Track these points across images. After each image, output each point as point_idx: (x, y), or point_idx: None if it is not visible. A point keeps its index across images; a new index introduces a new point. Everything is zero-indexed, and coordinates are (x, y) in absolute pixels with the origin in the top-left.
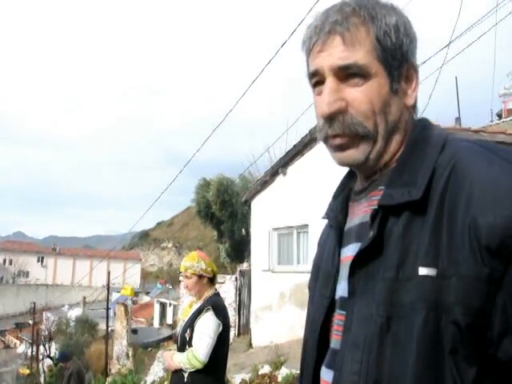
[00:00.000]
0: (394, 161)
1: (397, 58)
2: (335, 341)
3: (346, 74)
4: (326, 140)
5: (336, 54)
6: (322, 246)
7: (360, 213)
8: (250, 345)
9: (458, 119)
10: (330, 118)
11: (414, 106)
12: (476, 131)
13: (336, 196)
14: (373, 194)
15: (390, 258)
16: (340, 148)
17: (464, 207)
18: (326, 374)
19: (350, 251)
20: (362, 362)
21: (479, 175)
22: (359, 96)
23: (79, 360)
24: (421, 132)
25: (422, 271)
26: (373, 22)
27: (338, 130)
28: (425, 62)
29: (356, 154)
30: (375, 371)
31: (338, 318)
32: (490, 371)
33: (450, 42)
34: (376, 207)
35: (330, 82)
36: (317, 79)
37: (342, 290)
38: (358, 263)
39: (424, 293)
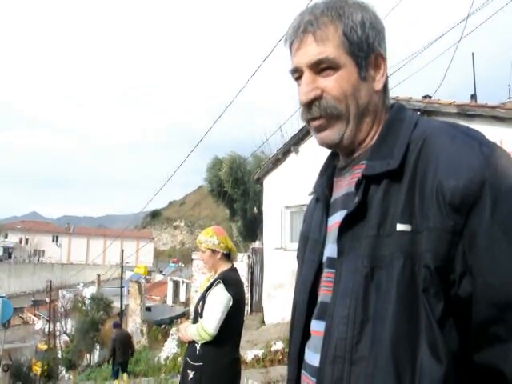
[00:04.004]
0: (369, 140)
1: (363, 50)
2: (325, 295)
3: (320, 67)
4: (308, 123)
5: (310, 51)
6: (309, 219)
7: (345, 185)
8: (263, 322)
9: (473, 96)
10: (308, 105)
11: (386, 90)
12: (492, 107)
13: (322, 173)
14: (356, 168)
15: (372, 219)
16: (319, 129)
17: (432, 174)
18: (317, 325)
19: (336, 218)
20: (350, 307)
21: (444, 148)
22: (331, 84)
23: (120, 330)
24: (396, 113)
25: (400, 227)
26: (340, 20)
27: (316, 114)
28: (441, 37)
29: (332, 133)
30: (362, 313)
31: (327, 275)
32: (453, 307)
33: (468, 16)
34: (360, 178)
35: (307, 75)
36: (297, 74)
37: (329, 251)
38: (345, 226)
39: (401, 245)
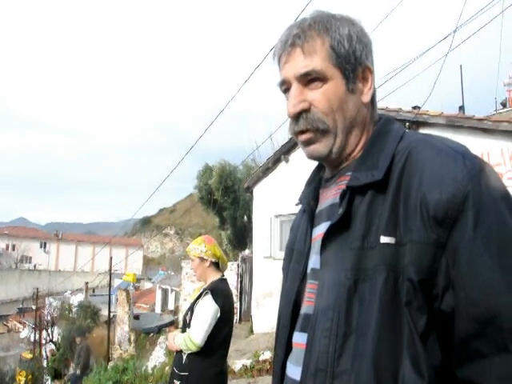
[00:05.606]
0: (357, 152)
1: (351, 62)
2: (308, 307)
3: (308, 79)
4: (296, 136)
5: (298, 63)
6: (295, 230)
7: (330, 196)
8: (252, 331)
9: (461, 108)
10: (296, 118)
11: (373, 103)
12: (480, 119)
13: (308, 184)
14: (341, 179)
15: (357, 230)
16: (307, 143)
17: (417, 186)
18: (299, 337)
19: (321, 229)
20: (333, 319)
21: (429, 161)
22: (319, 96)
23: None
24: (383, 126)
25: (383, 240)
26: (327, 34)
27: (303, 127)
28: (429, 49)
29: (320, 147)
30: (344, 326)
31: (310, 287)
32: (436, 321)
33: (456, 29)
34: (344, 189)
35: (295, 87)
36: (285, 87)
37: (313, 262)
38: (328, 237)
39: (385, 258)
